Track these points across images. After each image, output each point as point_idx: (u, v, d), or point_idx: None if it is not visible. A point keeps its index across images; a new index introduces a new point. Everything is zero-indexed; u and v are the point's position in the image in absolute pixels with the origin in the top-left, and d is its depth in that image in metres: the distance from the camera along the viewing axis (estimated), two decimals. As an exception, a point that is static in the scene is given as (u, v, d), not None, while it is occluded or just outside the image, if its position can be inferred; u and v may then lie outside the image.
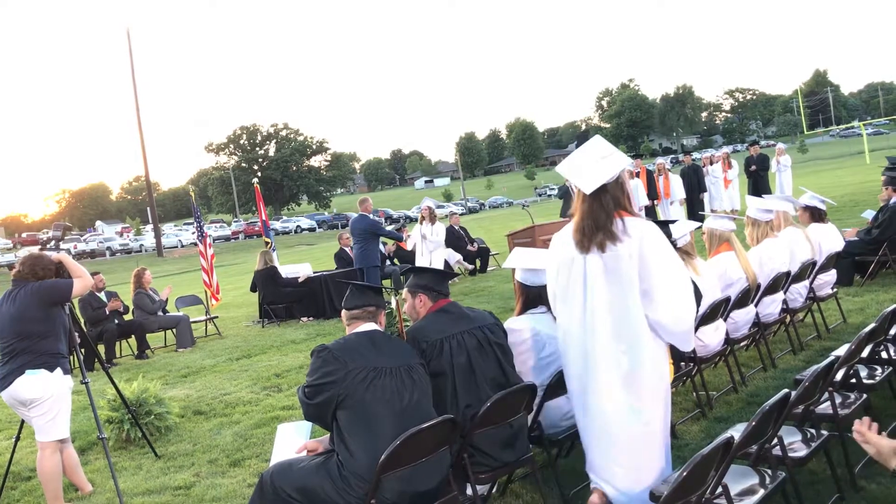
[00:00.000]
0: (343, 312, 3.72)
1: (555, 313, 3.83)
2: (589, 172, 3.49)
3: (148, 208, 63.01)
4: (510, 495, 4.32)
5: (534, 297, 4.37)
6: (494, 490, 4.22)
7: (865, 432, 2.51)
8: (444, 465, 3.47)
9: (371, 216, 12.88)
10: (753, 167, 18.84)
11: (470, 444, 3.68)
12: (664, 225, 5.50)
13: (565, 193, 17.51)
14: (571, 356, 3.64)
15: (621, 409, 3.48)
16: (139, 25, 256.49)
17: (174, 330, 11.79)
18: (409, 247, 14.64)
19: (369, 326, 3.63)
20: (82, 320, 10.15)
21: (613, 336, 3.45)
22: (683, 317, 3.45)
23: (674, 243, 5.25)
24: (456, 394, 3.79)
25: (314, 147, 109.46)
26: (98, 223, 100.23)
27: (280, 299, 13.01)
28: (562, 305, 3.67)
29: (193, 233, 21.03)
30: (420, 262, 13.25)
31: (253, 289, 13.52)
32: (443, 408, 3.74)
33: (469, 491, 3.69)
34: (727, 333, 5.82)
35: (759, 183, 18.45)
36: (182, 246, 61.54)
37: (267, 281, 12.93)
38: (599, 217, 3.46)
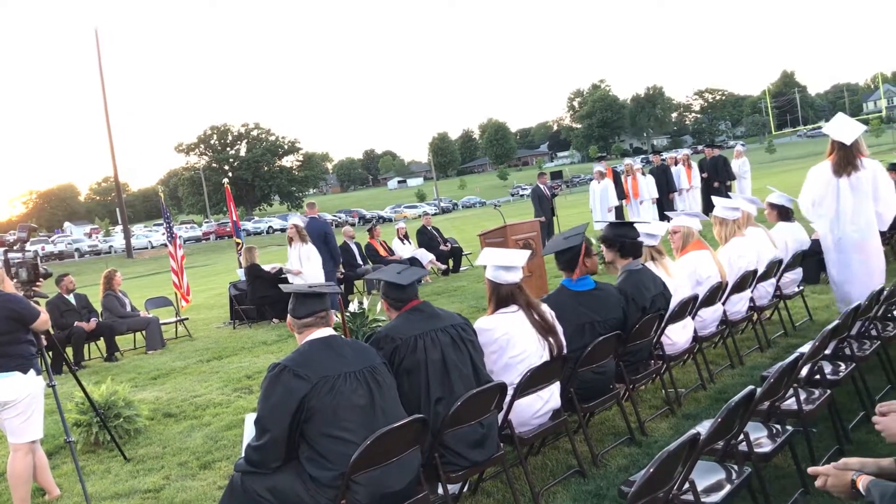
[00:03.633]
0: (291, 321, 3.58)
1: (810, 215, 6.36)
2: (847, 131, 5.97)
3: (117, 209, 62.27)
4: (481, 494, 4.33)
5: (505, 296, 4.38)
6: (465, 489, 4.23)
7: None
8: (414, 465, 3.46)
9: (319, 217, 12.23)
10: (706, 174, 18.22)
11: (441, 444, 3.69)
12: (630, 225, 5.59)
13: (539, 196, 17.59)
14: (823, 234, 6.30)
15: (856, 257, 6.11)
16: (108, 25, 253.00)
17: (144, 332, 11.67)
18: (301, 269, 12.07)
19: (324, 332, 3.51)
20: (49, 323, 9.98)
21: (853, 221, 6.05)
22: (894, 210, 6.16)
23: (640, 242, 5.36)
24: (428, 388, 3.80)
25: (286, 147, 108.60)
26: (66, 224, 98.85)
27: (268, 296, 12.27)
28: (820, 208, 6.19)
29: (163, 234, 20.74)
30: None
31: (231, 288, 13.27)
32: (416, 403, 3.75)
33: (440, 490, 3.70)
34: (695, 331, 5.90)
35: (714, 193, 15.34)
36: (152, 247, 60.83)
37: (256, 278, 12.45)
38: (849, 156, 5.97)
